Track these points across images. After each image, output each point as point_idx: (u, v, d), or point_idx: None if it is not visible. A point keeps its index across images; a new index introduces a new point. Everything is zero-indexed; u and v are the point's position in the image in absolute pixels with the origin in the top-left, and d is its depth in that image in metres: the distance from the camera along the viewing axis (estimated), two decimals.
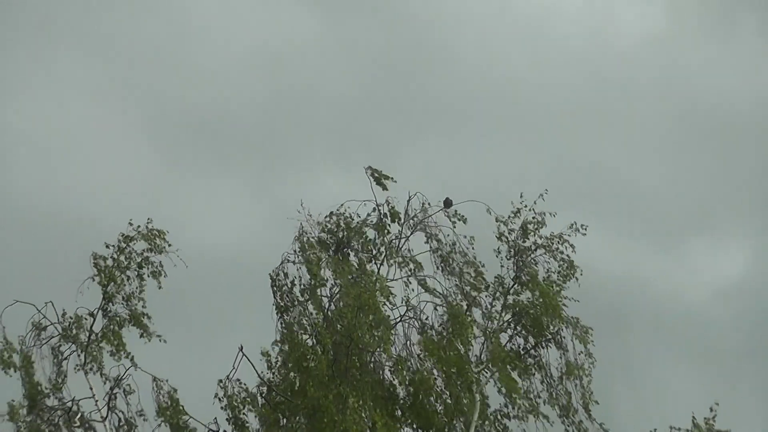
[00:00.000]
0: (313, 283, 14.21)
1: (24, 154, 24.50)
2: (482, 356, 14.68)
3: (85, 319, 14.11)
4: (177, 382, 13.77)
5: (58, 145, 24.72)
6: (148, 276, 14.32)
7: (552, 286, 15.05)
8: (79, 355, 14.01)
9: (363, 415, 12.95)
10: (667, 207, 25.55)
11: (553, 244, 15.38)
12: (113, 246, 14.30)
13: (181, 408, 14.00)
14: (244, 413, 13.77)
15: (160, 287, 14.30)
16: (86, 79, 25.74)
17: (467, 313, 14.73)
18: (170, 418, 13.84)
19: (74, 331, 14.05)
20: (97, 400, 13.91)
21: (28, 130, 24.30)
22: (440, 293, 14.94)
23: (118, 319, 14.15)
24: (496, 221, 15.58)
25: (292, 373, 13.69)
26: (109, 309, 14.23)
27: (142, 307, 14.24)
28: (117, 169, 24.18)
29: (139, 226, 14.41)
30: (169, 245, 14.33)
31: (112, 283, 14.25)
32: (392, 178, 15.06)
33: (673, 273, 23.74)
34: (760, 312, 21.65)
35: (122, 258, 14.30)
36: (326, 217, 14.79)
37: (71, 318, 14.08)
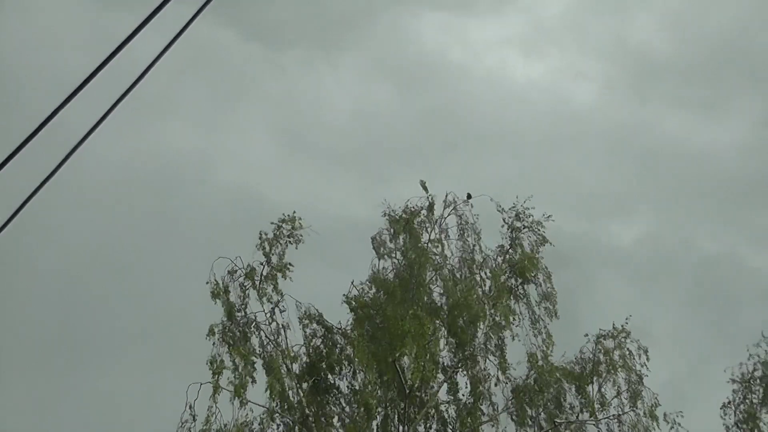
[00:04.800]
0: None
1: (232, 164, 41.87)
2: (491, 291, 24.72)
3: (258, 266, 24.17)
4: (315, 299, 23.85)
5: (253, 159, 41.49)
6: (292, 243, 24.43)
7: (532, 250, 25.08)
8: (255, 287, 24.08)
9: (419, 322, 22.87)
10: (603, 196, 41.18)
11: (533, 226, 25.39)
12: (275, 224, 24.39)
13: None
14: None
15: (296, 248, 24.25)
16: (264, 123, 45.33)
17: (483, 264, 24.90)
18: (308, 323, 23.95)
19: (253, 273, 24.04)
20: (266, 315, 23.62)
21: (237, 150, 42.53)
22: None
23: (276, 265, 24.25)
24: (497, 210, 25.56)
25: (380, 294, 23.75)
26: (270, 260, 24.39)
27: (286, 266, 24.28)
28: (281, 173, 40.58)
29: (285, 215, 24.51)
30: (302, 226, 24.42)
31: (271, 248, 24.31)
32: (428, 190, 24.97)
33: (612, 234, 39.27)
34: (661, 252, 37.92)
35: (281, 232, 24.44)
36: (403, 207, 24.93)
37: (251, 266, 24.07)
